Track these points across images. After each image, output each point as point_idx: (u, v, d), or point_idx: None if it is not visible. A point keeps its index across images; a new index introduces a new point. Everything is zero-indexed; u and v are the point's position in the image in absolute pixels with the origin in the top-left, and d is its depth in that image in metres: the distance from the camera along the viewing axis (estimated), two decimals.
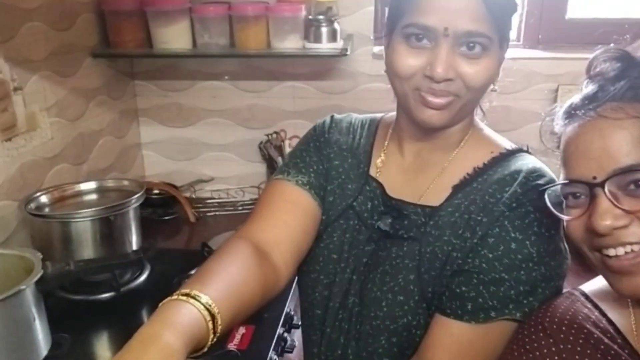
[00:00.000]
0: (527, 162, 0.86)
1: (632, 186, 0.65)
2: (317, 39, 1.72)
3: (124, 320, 1.26)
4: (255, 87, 1.98)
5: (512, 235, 0.80)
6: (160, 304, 0.71)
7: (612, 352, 0.70)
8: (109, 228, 1.29)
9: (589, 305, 0.76)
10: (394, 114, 0.99)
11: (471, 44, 0.78)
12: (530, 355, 0.72)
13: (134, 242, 1.39)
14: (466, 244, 0.83)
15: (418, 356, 0.84)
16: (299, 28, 1.72)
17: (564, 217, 0.72)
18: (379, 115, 1.03)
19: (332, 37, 1.72)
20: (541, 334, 0.73)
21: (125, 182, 1.43)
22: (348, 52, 1.71)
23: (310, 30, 1.72)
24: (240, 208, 2.00)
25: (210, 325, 0.69)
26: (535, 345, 0.73)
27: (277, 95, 1.98)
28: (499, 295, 0.79)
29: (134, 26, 1.75)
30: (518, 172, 0.84)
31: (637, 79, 0.69)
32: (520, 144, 0.93)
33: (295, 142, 1.95)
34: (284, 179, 0.95)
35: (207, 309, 0.69)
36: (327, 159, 0.97)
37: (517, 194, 0.82)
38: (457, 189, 0.87)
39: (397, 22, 0.81)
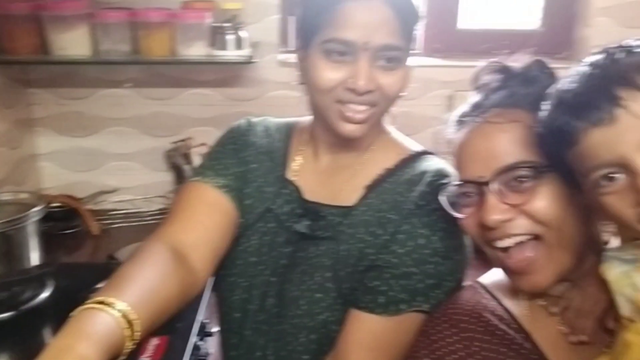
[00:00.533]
0: (432, 163, 0.92)
1: (514, 182, 0.72)
2: (223, 46, 1.72)
3: (25, 341, 1.19)
4: (160, 95, 1.94)
5: (421, 231, 0.86)
6: (72, 314, 0.69)
7: (509, 336, 0.76)
8: (6, 244, 1.22)
9: (487, 295, 0.82)
10: (307, 119, 1.02)
11: (388, 57, 0.83)
12: (436, 345, 0.77)
13: (34, 258, 1.31)
14: (378, 240, 0.87)
15: (336, 351, 0.87)
16: (204, 35, 1.72)
17: (458, 216, 0.79)
18: (293, 119, 1.05)
19: (238, 44, 1.73)
20: (446, 325, 0.78)
21: (23, 195, 1.36)
22: (254, 60, 1.73)
23: (216, 37, 1.72)
24: (147, 219, 1.94)
25: (128, 332, 0.69)
26: (441, 336, 0.78)
27: (183, 103, 1.95)
28: (408, 288, 0.84)
29: (29, 31, 1.66)
30: (425, 172, 0.90)
31: (515, 87, 0.78)
32: (424, 146, 1.00)
33: (203, 149, 1.93)
34: (201, 181, 0.95)
35: (124, 316, 0.69)
36: (245, 162, 0.98)
37: (424, 193, 0.87)
38: (369, 189, 0.91)
39: (313, 36, 0.84)
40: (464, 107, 0.82)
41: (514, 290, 0.82)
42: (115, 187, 2.01)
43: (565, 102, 0.64)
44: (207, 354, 1.25)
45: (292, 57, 1.91)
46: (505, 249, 0.75)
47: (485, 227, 0.74)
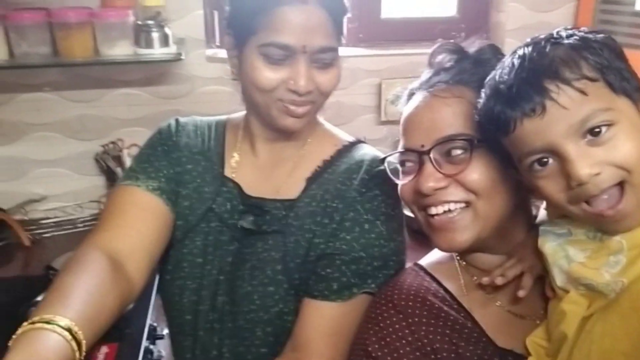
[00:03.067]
0: (367, 151, 0.96)
1: (451, 154, 0.77)
2: (149, 45, 1.69)
3: None
4: (84, 97, 1.87)
5: (365, 217, 0.89)
6: (18, 333, 0.67)
7: (451, 317, 0.80)
8: None
9: (427, 278, 0.86)
10: (238, 115, 1.02)
11: (324, 58, 0.86)
12: (385, 332, 0.79)
13: None
14: (326, 229, 0.90)
15: (293, 340, 0.89)
16: (128, 34, 1.68)
17: (398, 182, 0.83)
18: (223, 117, 1.05)
19: (164, 41, 1.70)
20: (392, 311, 0.81)
21: None
22: (183, 57, 1.71)
23: (140, 35, 1.69)
24: (80, 225, 1.88)
25: (75, 347, 0.68)
26: (388, 322, 0.80)
27: (109, 104, 1.89)
28: (359, 272, 0.87)
29: None
30: (362, 161, 0.93)
31: (466, 68, 0.82)
32: (356, 135, 1.03)
33: (134, 150, 1.89)
34: (132, 185, 0.94)
35: (72, 335, 0.68)
36: (178, 163, 0.97)
37: (364, 180, 0.91)
38: (310, 181, 0.94)
39: (248, 36, 0.85)
40: (415, 83, 0.87)
41: (451, 269, 0.87)
42: (43, 195, 1.93)
43: (500, 93, 0.68)
44: (160, 357, 1.24)
45: (220, 53, 1.92)
46: (435, 215, 0.80)
47: (420, 194, 0.79)
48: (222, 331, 0.94)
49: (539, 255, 0.78)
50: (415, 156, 0.80)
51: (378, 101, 2.04)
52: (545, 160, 0.66)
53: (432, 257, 0.90)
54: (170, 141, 0.99)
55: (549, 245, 0.75)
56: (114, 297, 0.78)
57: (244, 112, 1.01)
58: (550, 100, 0.63)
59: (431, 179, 0.77)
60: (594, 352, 0.70)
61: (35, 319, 0.69)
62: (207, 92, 1.93)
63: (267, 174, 0.97)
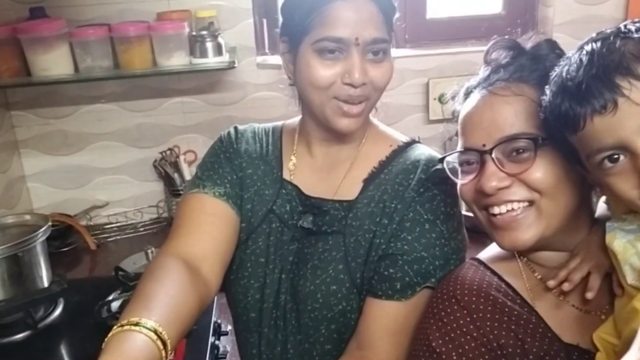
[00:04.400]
0: (422, 151, 0.98)
1: (514, 153, 0.77)
2: (204, 54, 1.75)
3: (45, 358, 1.22)
4: (143, 106, 1.96)
5: (425, 217, 0.91)
6: (109, 336, 0.72)
7: (516, 312, 0.80)
8: (17, 265, 1.24)
9: (488, 272, 0.85)
10: (294, 120, 1.06)
11: (376, 50, 0.88)
12: (449, 327, 0.79)
13: (45, 277, 1.34)
14: (386, 230, 0.92)
15: (358, 339, 0.91)
16: (183, 44, 1.75)
17: (459, 181, 0.83)
18: (279, 123, 1.09)
19: (218, 51, 1.76)
20: (455, 307, 0.80)
21: (27, 217, 1.38)
22: (236, 65, 1.76)
23: (195, 45, 1.75)
24: (141, 230, 1.97)
25: (161, 347, 0.72)
26: (452, 317, 0.80)
27: (165, 112, 1.98)
28: (421, 271, 0.89)
29: (8, 55, 1.67)
30: (418, 161, 0.95)
31: (524, 64, 0.82)
32: (410, 136, 1.05)
33: (190, 156, 1.97)
34: (200, 192, 0.98)
35: (158, 335, 0.72)
36: (240, 169, 1.02)
37: (422, 180, 0.93)
38: (367, 182, 0.96)
39: (303, 37, 0.89)
40: (472, 81, 0.86)
41: (511, 264, 0.86)
42: (106, 201, 2.03)
43: (568, 90, 0.67)
44: (226, 353, 1.29)
45: (270, 59, 1.97)
46: (498, 215, 0.79)
47: (482, 193, 0.78)
48: (285, 328, 0.98)
49: (605, 252, 0.77)
50: (477, 155, 0.79)
51: (426, 100, 2.05)
52: (616, 157, 0.66)
53: (491, 251, 0.90)
54: (232, 148, 1.03)
55: (618, 242, 0.74)
56: (193, 299, 0.82)
57: (298, 117, 1.05)
58: (622, 97, 0.62)
59: (494, 179, 0.77)
60: None
61: (124, 322, 0.73)
62: (259, 98, 1.99)
63: (324, 175, 1.00)
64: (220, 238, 0.95)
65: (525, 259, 0.87)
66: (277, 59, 1.97)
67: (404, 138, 1.02)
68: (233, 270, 1.01)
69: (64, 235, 1.85)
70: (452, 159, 0.85)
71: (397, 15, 0.95)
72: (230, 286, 1.03)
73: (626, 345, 0.73)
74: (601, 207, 0.86)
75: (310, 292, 0.94)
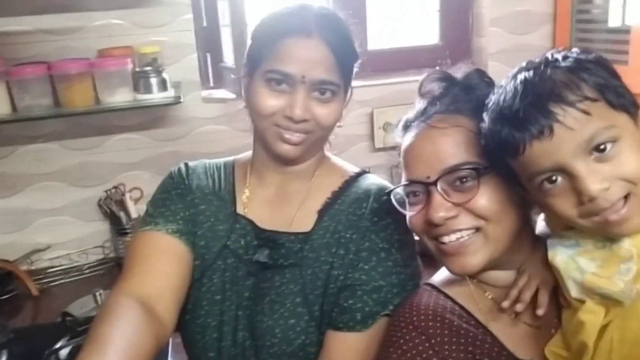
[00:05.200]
0: (373, 181, 1.00)
1: (457, 182, 0.80)
2: (148, 90, 1.73)
3: None
4: (85, 145, 1.91)
5: (380, 245, 0.93)
6: None
7: (471, 334, 0.82)
8: None
9: (442, 297, 0.87)
10: (245, 154, 1.07)
11: (323, 90, 0.90)
12: (408, 355, 0.80)
13: None
14: (344, 260, 0.93)
15: None
16: (127, 81, 1.72)
17: (407, 213, 0.85)
18: (230, 158, 1.09)
19: (163, 86, 1.75)
20: (414, 333, 0.82)
21: None
22: (181, 100, 1.75)
23: (139, 81, 1.73)
24: (87, 272, 1.90)
25: None
26: (411, 344, 0.81)
27: (109, 150, 1.93)
28: (380, 300, 0.90)
29: None
30: (369, 190, 0.97)
31: (458, 95, 0.85)
32: (361, 166, 1.08)
33: (136, 194, 1.93)
34: (152, 230, 0.96)
35: None
36: (192, 205, 1.00)
37: (375, 209, 0.95)
38: (321, 213, 0.97)
39: (257, 66, 0.91)
40: (409, 114, 0.89)
41: (462, 285, 0.88)
42: (48, 244, 1.94)
43: (506, 118, 0.70)
44: None
45: (215, 93, 1.97)
46: (448, 243, 0.81)
47: (431, 224, 0.80)
48: None
49: (549, 268, 0.80)
50: (422, 187, 0.81)
51: (371, 129, 2.10)
52: (555, 178, 0.69)
53: (442, 275, 0.91)
54: (183, 185, 1.02)
55: (559, 258, 0.77)
56: (149, 341, 0.80)
57: (250, 152, 1.06)
58: (557, 122, 0.66)
59: (441, 209, 0.79)
60: (614, 359, 0.71)
61: None
62: (205, 132, 1.97)
63: (279, 207, 1.00)
64: (175, 276, 0.93)
65: (476, 280, 0.89)
66: (222, 93, 1.97)
67: (355, 169, 1.04)
68: (188, 309, 0.99)
69: (4, 282, 1.76)
70: (400, 190, 0.87)
71: (358, 61, 0.97)
72: (186, 326, 1.00)
73: (575, 357, 0.76)
74: (540, 224, 0.90)
75: (269, 328, 0.93)
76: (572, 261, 0.76)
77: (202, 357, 0.99)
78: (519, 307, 0.82)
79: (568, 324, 0.79)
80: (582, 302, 0.75)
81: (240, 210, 1.01)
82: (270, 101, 0.90)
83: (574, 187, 0.68)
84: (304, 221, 0.97)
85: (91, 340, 0.76)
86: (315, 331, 0.93)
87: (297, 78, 0.88)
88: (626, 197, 0.67)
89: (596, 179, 0.66)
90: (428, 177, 0.80)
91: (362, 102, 2.07)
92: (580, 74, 0.68)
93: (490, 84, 0.86)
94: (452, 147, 0.80)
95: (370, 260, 0.92)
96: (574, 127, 0.66)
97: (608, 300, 0.72)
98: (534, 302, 0.82)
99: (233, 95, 1.88)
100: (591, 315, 0.73)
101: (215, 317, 0.97)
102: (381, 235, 0.93)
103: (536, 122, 0.67)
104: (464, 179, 0.79)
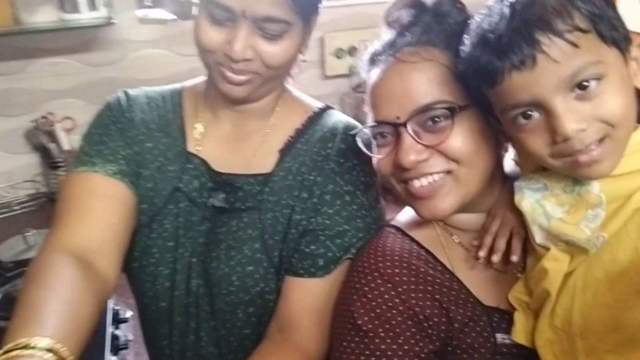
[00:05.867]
0: (338, 118, 0.92)
1: (429, 122, 0.74)
2: (75, 9, 1.57)
3: None
4: (5, 69, 1.74)
5: (345, 188, 0.86)
6: None
7: (438, 280, 0.79)
8: None
9: (407, 240, 0.83)
10: (195, 82, 0.95)
11: (268, 27, 0.78)
12: (374, 303, 0.76)
13: None
14: (306, 204, 0.86)
15: (279, 321, 0.86)
16: None
17: (375, 156, 0.79)
18: (177, 85, 0.98)
19: (92, 5, 1.58)
20: (379, 281, 0.77)
21: None
22: (115, 21, 1.59)
23: None
24: (16, 208, 1.77)
25: None
26: (376, 292, 0.76)
27: (35, 75, 1.76)
28: (344, 245, 0.85)
29: None
30: (336, 128, 0.90)
31: (429, 25, 0.78)
32: (310, 95, 0.99)
33: (68, 124, 1.79)
34: (89, 171, 0.85)
35: (53, 352, 0.62)
36: (136, 142, 0.90)
37: (342, 149, 0.88)
38: (283, 152, 0.89)
39: None
40: (376, 46, 0.81)
41: (428, 228, 0.84)
42: None
43: (488, 42, 0.65)
44: (127, 342, 1.20)
45: (153, 13, 1.80)
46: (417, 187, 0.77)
47: (400, 167, 0.75)
48: (198, 315, 0.90)
49: (517, 211, 0.77)
50: (391, 128, 0.76)
51: (321, 56, 2.00)
52: (530, 113, 0.65)
53: (407, 216, 0.87)
54: (123, 118, 0.91)
55: (526, 202, 0.75)
56: (91, 301, 0.73)
57: (200, 79, 0.95)
58: (541, 53, 0.61)
59: (412, 152, 0.74)
60: (576, 306, 0.71)
61: (10, 346, 0.62)
62: (142, 57, 1.83)
63: (236, 147, 0.91)
64: (116, 224, 0.84)
65: (443, 223, 0.85)
66: (160, 13, 1.80)
67: (318, 104, 0.95)
68: (136, 257, 0.91)
69: None
70: (366, 131, 0.81)
71: (320, 5, 0.85)
72: (134, 274, 0.93)
73: (537, 303, 0.75)
74: (509, 163, 0.87)
75: (225, 275, 0.87)
76: (539, 205, 0.73)
77: (153, 307, 0.93)
78: (495, 257, 0.79)
79: (531, 270, 0.77)
80: (547, 248, 0.73)
81: (191, 148, 0.91)
82: (211, 34, 0.79)
83: (549, 125, 0.64)
84: (263, 162, 0.89)
85: (23, 306, 0.68)
86: (274, 277, 0.88)
87: (237, 12, 0.77)
88: (601, 140, 0.64)
89: (573, 118, 0.62)
90: (398, 118, 0.74)
91: None
92: (575, 1, 0.62)
93: (462, 10, 0.80)
94: (424, 84, 0.74)
95: (334, 203, 0.86)
96: (558, 59, 0.61)
97: (573, 248, 0.71)
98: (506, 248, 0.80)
99: (173, 16, 1.72)
100: (555, 263, 0.72)
101: (167, 264, 0.90)
102: (346, 177, 0.87)
103: (519, 50, 0.62)
104: (437, 119, 0.74)
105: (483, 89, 0.68)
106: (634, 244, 0.67)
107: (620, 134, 0.64)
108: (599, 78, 0.62)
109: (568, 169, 0.68)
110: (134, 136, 0.90)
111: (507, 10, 0.64)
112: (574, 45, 0.61)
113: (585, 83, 0.62)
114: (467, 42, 0.69)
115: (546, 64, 0.61)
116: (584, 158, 0.64)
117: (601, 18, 0.62)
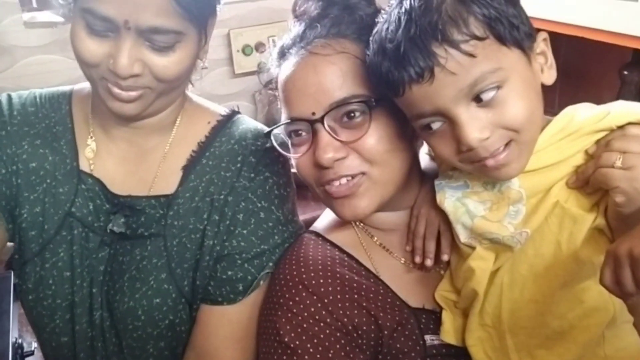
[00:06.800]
0: (247, 125, 0.86)
1: (345, 118, 0.71)
2: None
3: None
4: None
5: (259, 205, 0.81)
6: None
7: (364, 286, 0.76)
8: None
9: (328, 246, 0.80)
10: (87, 86, 0.85)
11: (156, 39, 0.70)
12: (299, 317, 0.72)
13: None
14: (219, 228, 0.80)
15: (196, 351, 0.80)
16: None
17: (292, 156, 0.76)
18: (66, 88, 0.87)
19: None
20: (304, 293, 0.73)
21: None
22: None
23: None
24: None
25: None
26: (302, 306, 0.73)
27: None
28: (262, 265, 0.80)
29: None
30: (244, 139, 0.83)
31: (339, 16, 0.74)
32: (221, 94, 0.91)
33: None
34: None
35: None
36: (15, 160, 0.80)
37: (252, 163, 0.81)
38: (187, 170, 0.82)
39: None
40: (285, 39, 0.77)
41: (348, 230, 0.82)
42: None
43: (386, 52, 0.63)
44: None
45: (40, 16, 1.66)
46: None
47: (319, 167, 0.72)
48: (106, 349, 0.82)
49: (441, 209, 0.75)
50: (307, 125, 0.72)
51: (229, 53, 1.91)
52: (436, 122, 0.64)
53: (325, 220, 0.84)
54: (4, 131, 0.81)
55: (448, 202, 0.73)
56: None
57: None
58: (438, 66, 0.60)
59: (330, 149, 0.70)
60: (504, 303, 0.70)
61: None
62: (32, 63, 1.69)
63: (133, 167, 0.83)
64: None
65: (362, 224, 0.83)
66: (47, 16, 1.66)
67: (222, 110, 0.88)
68: (30, 289, 0.82)
69: None
70: (279, 130, 0.76)
71: (218, 6, 0.78)
72: (31, 308, 0.84)
73: (465, 302, 0.74)
74: (424, 158, 0.85)
75: (130, 309, 0.79)
76: (461, 204, 0.72)
77: (53, 343, 0.84)
78: (429, 262, 0.78)
79: (457, 269, 0.76)
80: (472, 247, 0.72)
81: (84, 166, 0.82)
82: (91, 47, 0.70)
83: (454, 133, 0.63)
84: (166, 182, 0.82)
85: None
86: (186, 308, 0.81)
87: (118, 23, 0.68)
88: (507, 144, 0.63)
89: (476, 127, 0.61)
90: (313, 114, 0.71)
91: (217, 22, 1.86)
92: (470, 5, 0.60)
93: (370, 3, 0.77)
94: (338, 77, 0.71)
95: (249, 223, 0.80)
96: (456, 71, 0.60)
97: (498, 245, 0.70)
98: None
99: (61, 19, 1.58)
100: (481, 262, 0.71)
101: (65, 297, 0.82)
102: (259, 193, 0.81)
103: (416, 63, 0.61)
104: (353, 114, 0.71)
105: (390, 96, 0.67)
106: (555, 238, 0.67)
107: (525, 137, 0.63)
108: (499, 86, 0.61)
109: (479, 172, 0.67)
110: (12, 154, 0.80)
111: (403, 17, 0.62)
112: (471, 55, 0.59)
113: (485, 93, 0.61)
114: (370, 48, 0.67)
115: (444, 77, 0.60)
116: (491, 162, 0.63)
117: (499, 20, 0.61)
